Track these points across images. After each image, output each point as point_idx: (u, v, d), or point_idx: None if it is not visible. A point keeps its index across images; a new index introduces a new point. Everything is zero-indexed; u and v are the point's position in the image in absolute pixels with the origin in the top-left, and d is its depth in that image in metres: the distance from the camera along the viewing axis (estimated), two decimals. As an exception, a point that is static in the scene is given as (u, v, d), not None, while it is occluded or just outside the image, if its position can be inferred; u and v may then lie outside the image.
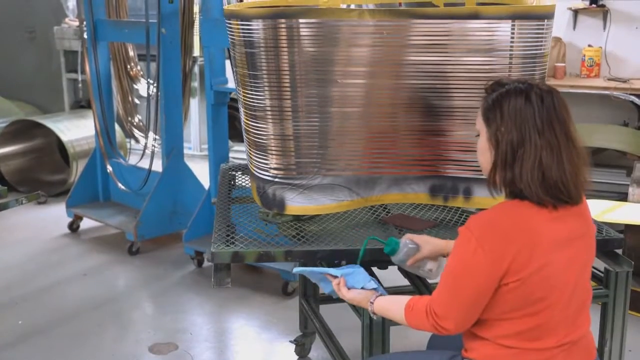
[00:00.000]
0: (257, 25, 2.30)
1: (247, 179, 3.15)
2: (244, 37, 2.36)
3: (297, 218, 2.56)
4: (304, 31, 2.27)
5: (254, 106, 2.42)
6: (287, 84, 2.33)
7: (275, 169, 2.44)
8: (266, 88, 2.36)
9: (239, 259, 2.30)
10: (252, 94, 2.41)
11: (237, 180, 3.15)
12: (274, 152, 2.43)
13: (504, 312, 1.82)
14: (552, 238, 1.81)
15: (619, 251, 2.56)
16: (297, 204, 2.45)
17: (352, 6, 2.63)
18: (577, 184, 1.83)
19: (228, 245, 2.32)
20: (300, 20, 2.26)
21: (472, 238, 1.79)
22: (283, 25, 2.27)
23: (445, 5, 2.77)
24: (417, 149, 2.49)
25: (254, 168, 2.53)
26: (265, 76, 2.35)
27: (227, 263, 2.30)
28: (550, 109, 1.82)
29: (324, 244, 2.36)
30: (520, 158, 1.80)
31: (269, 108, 2.38)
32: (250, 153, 2.55)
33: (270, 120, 2.40)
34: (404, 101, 2.41)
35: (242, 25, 2.34)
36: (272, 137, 2.41)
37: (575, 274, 1.87)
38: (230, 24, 2.44)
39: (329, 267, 2.16)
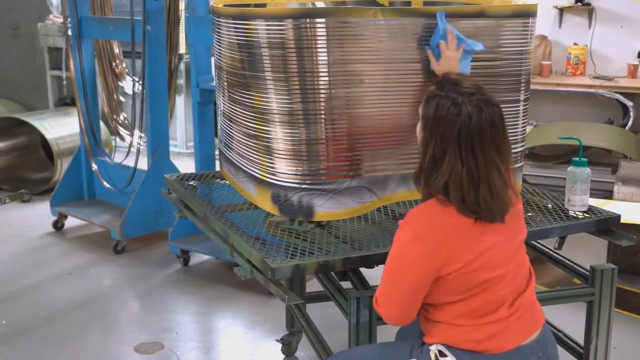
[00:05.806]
0: (284, 25, 2.23)
1: (210, 187, 3.03)
2: (256, 37, 2.28)
3: (318, 224, 2.48)
4: (330, 32, 2.23)
5: (266, 109, 2.34)
6: (312, 86, 2.27)
7: (302, 175, 2.35)
8: (294, 91, 2.28)
9: (299, 271, 2.19)
10: (265, 97, 2.33)
11: (199, 190, 3.00)
12: (300, 158, 2.34)
13: (451, 296, 1.90)
14: (484, 227, 1.88)
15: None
16: (326, 209, 2.36)
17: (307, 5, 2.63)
18: (496, 208, 1.87)
19: (286, 259, 2.19)
20: (324, 20, 2.22)
21: (410, 231, 1.87)
22: (307, 26, 2.22)
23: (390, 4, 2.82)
24: None
25: (266, 175, 2.43)
26: (288, 79, 2.28)
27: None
28: (475, 129, 1.84)
29: (373, 247, 2.29)
30: (440, 171, 1.87)
31: (289, 112, 2.30)
32: (258, 159, 2.45)
33: (291, 125, 2.31)
34: (415, 98, 2.41)
35: (258, 25, 2.27)
36: (296, 142, 2.33)
37: (514, 249, 1.95)
38: (234, 23, 2.37)
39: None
